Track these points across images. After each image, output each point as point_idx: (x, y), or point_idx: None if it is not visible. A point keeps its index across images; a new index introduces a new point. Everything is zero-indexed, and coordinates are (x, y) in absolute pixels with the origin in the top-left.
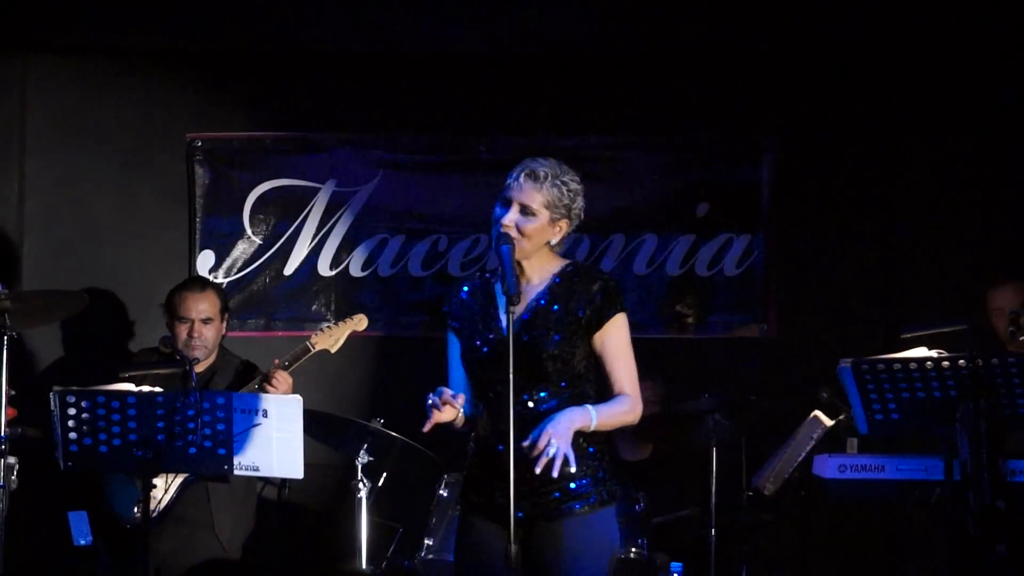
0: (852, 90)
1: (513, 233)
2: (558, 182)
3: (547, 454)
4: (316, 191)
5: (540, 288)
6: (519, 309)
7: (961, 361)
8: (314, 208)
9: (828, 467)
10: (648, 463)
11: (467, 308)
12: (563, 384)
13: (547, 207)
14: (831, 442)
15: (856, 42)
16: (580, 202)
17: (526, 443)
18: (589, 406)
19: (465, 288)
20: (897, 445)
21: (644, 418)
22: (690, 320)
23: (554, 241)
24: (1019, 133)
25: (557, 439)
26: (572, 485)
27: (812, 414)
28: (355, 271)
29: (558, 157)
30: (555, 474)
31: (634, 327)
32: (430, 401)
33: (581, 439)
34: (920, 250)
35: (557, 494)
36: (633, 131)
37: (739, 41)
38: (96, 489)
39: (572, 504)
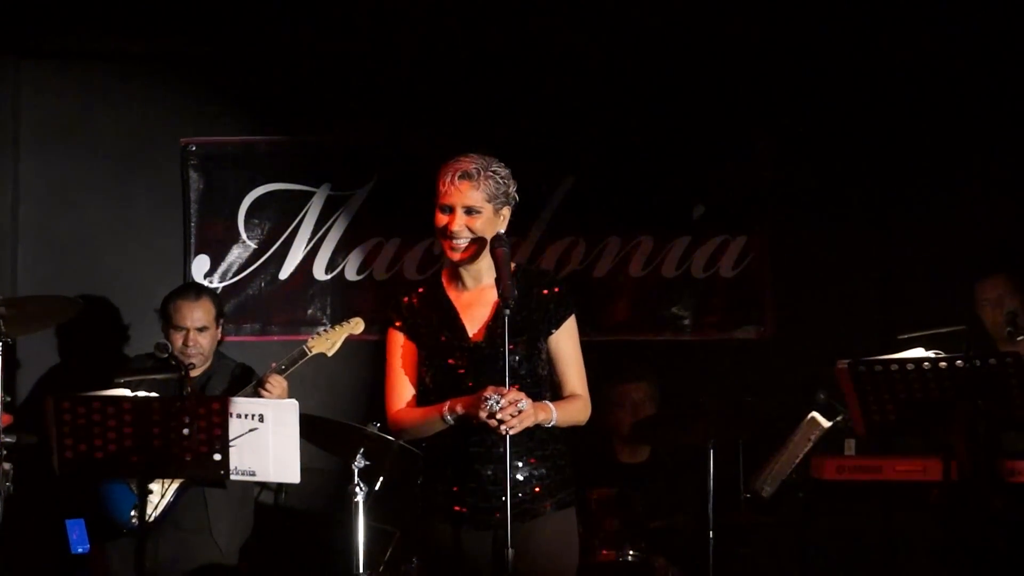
0: (850, 86)
1: (465, 236)
2: (490, 172)
3: (506, 414)
4: (311, 195)
5: (495, 292)
6: (482, 313)
7: (959, 362)
8: (309, 212)
9: (826, 469)
10: (645, 465)
11: (423, 317)
12: (528, 387)
13: (489, 200)
14: (829, 444)
15: (854, 34)
16: (514, 184)
17: (500, 400)
18: (549, 403)
19: (409, 298)
20: (895, 446)
21: (641, 420)
22: (686, 322)
23: (502, 229)
24: (1021, 129)
25: (519, 419)
26: (542, 485)
27: (809, 415)
28: (351, 275)
29: (553, 158)
30: (503, 430)
31: (631, 329)
32: (498, 405)
33: (545, 435)
34: (918, 250)
35: (527, 494)
36: (628, 131)
37: (732, 34)
38: (93, 496)
39: (544, 504)
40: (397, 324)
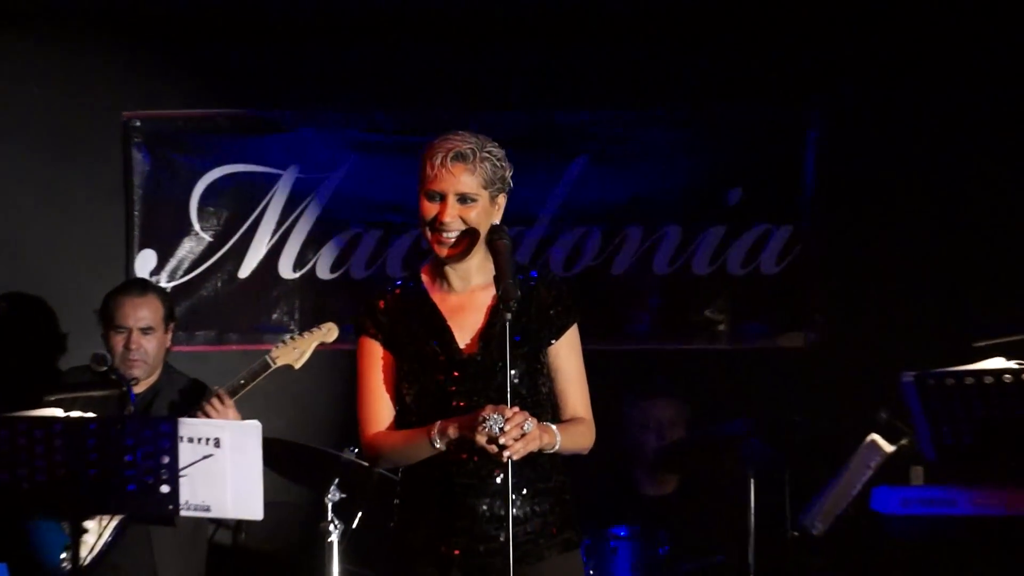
0: (911, 55)
1: (456, 229)
2: (486, 154)
3: (510, 437)
4: (276, 178)
5: (488, 294)
6: (473, 319)
7: None
8: (274, 199)
9: (889, 501)
10: (673, 498)
11: (403, 323)
12: (528, 407)
13: (485, 186)
14: (892, 471)
15: None
16: (510, 168)
17: (506, 418)
18: (552, 425)
19: (385, 300)
20: (971, 474)
21: (669, 445)
22: (721, 327)
23: (497, 220)
24: None
25: (524, 443)
26: (544, 523)
27: (869, 438)
28: (323, 273)
29: (563, 134)
30: (506, 456)
31: (655, 337)
32: (498, 427)
33: (547, 462)
34: (995, 243)
35: (526, 534)
36: (652, 104)
37: None
38: (18, 535)
39: (546, 545)
40: (371, 332)
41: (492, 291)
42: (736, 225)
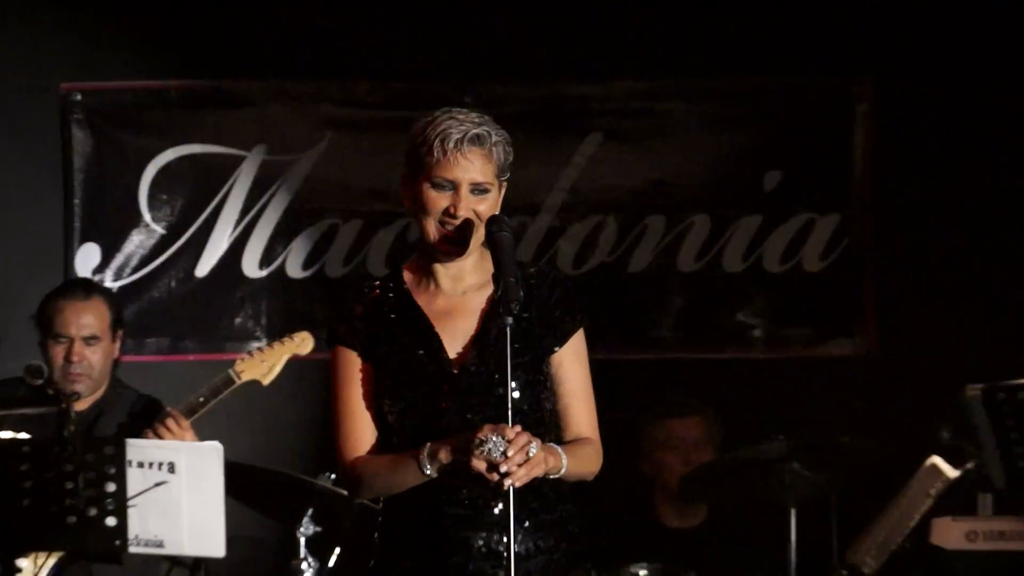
0: (979, 14)
1: (468, 224)
2: (499, 137)
3: (513, 462)
4: (240, 161)
5: (483, 295)
6: (465, 325)
7: None
8: (237, 184)
9: (952, 535)
10: (701, 531)
11: (384, 329)
12: (531, 426)
13: (498, 175)
14: (956, 500)
15: None
16: (513, 155)
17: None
18: (557, 447)
19: (362, 303)
20: None
21: (696, 469)
22: (757, 333)
23: (497, 211)
24: None
25: (528, 468)
26: (549, 561)
27: (928, 462)
28: (294, 271)
29: (573, 108)
30: (508, 484)
31: (681, 344)
32: (499, 450)
33: (551, 490)
34: None
35: (529, 573)
36: (677, 73)
37: None
38: None
39: None
40: (347, 341)
41: (486, 292)
42: (774, 214)
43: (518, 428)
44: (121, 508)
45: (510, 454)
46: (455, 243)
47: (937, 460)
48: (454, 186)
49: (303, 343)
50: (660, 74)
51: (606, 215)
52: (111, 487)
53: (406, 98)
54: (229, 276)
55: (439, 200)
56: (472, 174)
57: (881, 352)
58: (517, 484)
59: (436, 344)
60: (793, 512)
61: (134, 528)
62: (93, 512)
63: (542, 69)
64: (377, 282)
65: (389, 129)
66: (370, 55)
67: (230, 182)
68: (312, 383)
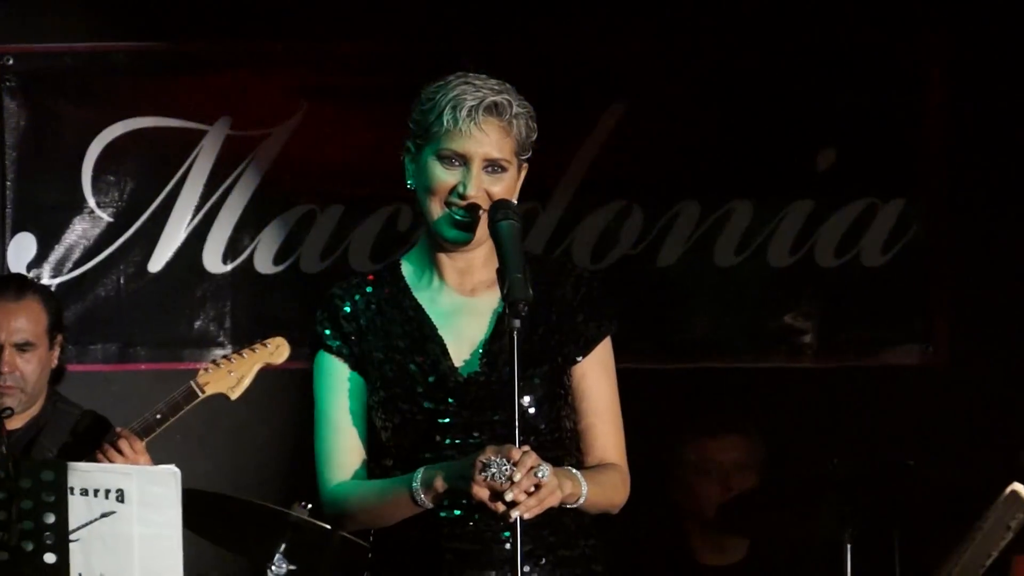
0: None
1: (483, 205)
2: (520, 108)
3: (520, 490)
4: (200, 136)
5: (497, 294)
6: (473, 328)
7: None
8: (197, 164)
9: None
10: (741, 569)
11: (377, 333)
12: (548, 447)
13: (517, 153)
14: None
15: None
16: (535, 133)
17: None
18: (576, 471)
19: (349, 303)
20: None
21: (736, 497)
22: (807, 339)
23: (515, 199)
24: None
25: (539, 497)
26: None
27: (1009, 488)
28: (263, 265)
29: (592, 72)
30: (515, 515)
31: (718, 351)
32: (504, 475)
33: (571, 522)
34: None
35: None
36: (714, 31)
37: None
38: None
39: None
40: (333, 347)
41: (499, 291)
42: (828, 199)
43: (525, 448)
44: (62, 543)
45: (516, 479)
46: (462, 230)
47: (1019, 487)
48: (465, 161)
49: (277, 351)
50: (694, 31)
51: (630, 201)
52: (50, 518)
53: (394, 62)
54: (187, 272)
55: (446, 177)
56: (487, 148)
57: (953, 361)
58: (527, 515)
59: (439, 350)
60: (849, 548)
61: (76, 566)
62: (29, 547)
63: (555, 25)
64: (370, 276)
65: (375, 99)
66: (351, 11)
67: (188, 161)
68: (286, 397)
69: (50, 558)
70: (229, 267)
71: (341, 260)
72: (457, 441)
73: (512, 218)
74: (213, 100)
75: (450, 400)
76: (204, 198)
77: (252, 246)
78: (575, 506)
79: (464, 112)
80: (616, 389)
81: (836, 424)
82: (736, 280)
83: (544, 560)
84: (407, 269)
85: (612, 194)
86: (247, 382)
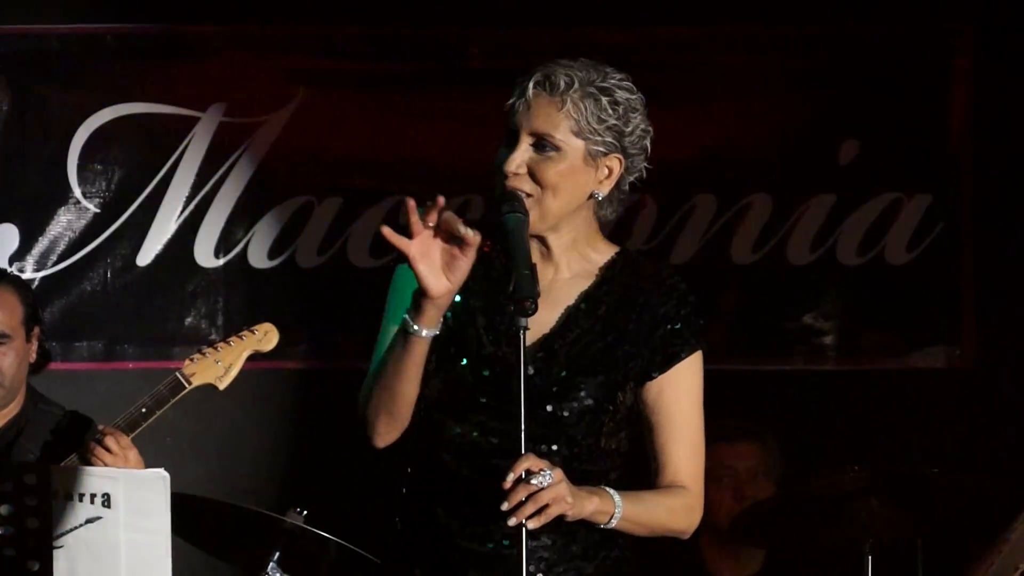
0: None
1: (525, 187)
2: (593, 89)
3: (537, 479)
4: (192, 123)
5: (576, 289)
6: (545, 316)
7: None
8: (188, 152)
9: None
10: None
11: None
12: (579, 459)
13: (579, 134)
14: None
15: None
16: (641, 123)
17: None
18: (611, 490)
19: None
20: None
21: (751, 507)
22: (828, 340)
23: (602, 194)
24: None
25: (537, 501)
26: None
27: None
28: (258, 259)
29: (604, 61)
30: (511, 522)
31: (734, 352)
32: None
33: (598, 534)
34: None
35: None
36: (731, 19)
37: None
38: None
39: None
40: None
41: (577, 289)
42: (851, 194)
43: (530, 456)
44: (45, 549)
45: (506, 481)
46: (498, 210)
47: None
48: (515, 136)
49: (266, 337)
50: (711, 19)
51: (643, 193)
52: (33, 523)
53: (396, 47)
54: (178, 266)
55: (502, 155)
56: (533, 122)
57: (980, 364)
58: (531, 524)
59: (505, 328)
60: (869, 560)
61: (60, 573)
62: (10, 553)
63: (565, 12)
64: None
65: (376, 85)
66: None
67: (180, 150)
68: (280, 397)
69: (33, 565)
70: (222, 261)
71: (339, 255)
72: (484, 419)
73: (519, 211)
74: (206, 85)
75: (496, 385)
76: (196, 188)
77: (246, 239)
78: (610, 526)
79: (519, 88)
80: (699, 411)
81: (857, 430)
82: (754, 278)
83: (561, 568)
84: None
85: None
86: (235, 371)
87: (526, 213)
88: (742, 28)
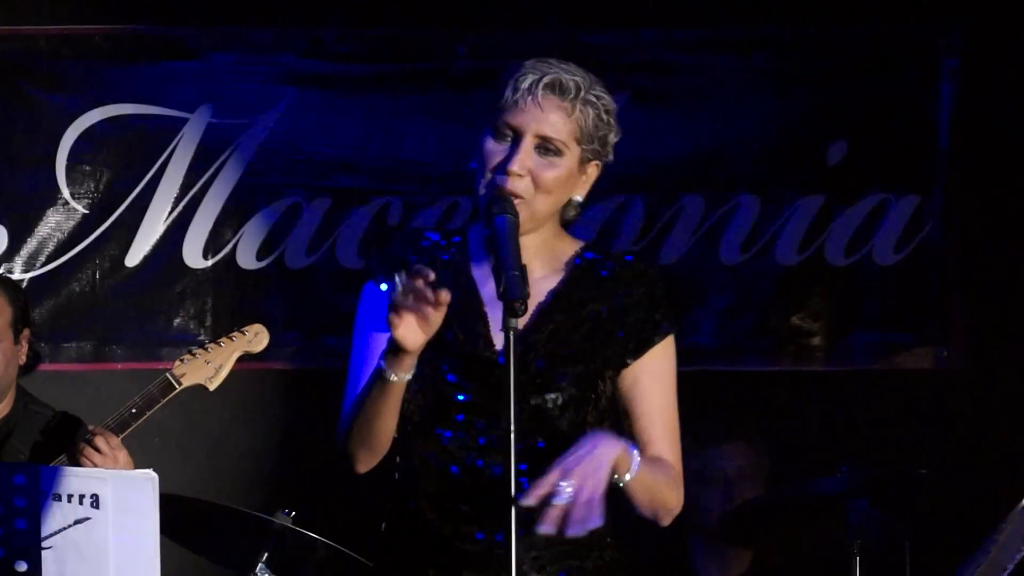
0: None
1: (522, 190)
2: (592, 97)
3: (557, 498)
4: (181, 125)
5: (547, 285)
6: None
7: None
8: (176, 154)
9: None
10: None
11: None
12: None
13: (579, 140)
14: None
15: None
16: (619, 132)
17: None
18: (627, 444)
19: (412, 248)
20: None
21: (740, 508)
22: (816, 341)
23: (578, 198)
24: None
25: (582, 479)
26: None
27: None
28: (247, 260)
29: (592, 62)
30: (569, 532)
31: (723, 353)
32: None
33: (588, 535)
34: None
35: None
36: (721, 19)
37: None
38: None
39: None
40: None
41: (550, 284)
42: (839, 194)
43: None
44: (34, 550)
45: (532, 498)
46: (488, 210)
47: None
48: (517, 136)
49: (256, 338)
50: (700, 20)
51: (631, 194)
52: (21, 524)
53: (385, 48)
54: (167, 266)
55: (496, 152)
56: (541, 124)
57: (969, 366)
58: (568, 532)
59: (479, 329)
60: (857, 560)
61: (49, 574)
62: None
63: (554, 13)
64: (437, 236)
65: (365, 86)
66: None
67: (168, 151)
68: (269, 398)
69: (21, 567)
70: (210, 262)
71: (328, 255)
72: (467, 418)
73: (509, 212)
74: (194, 86)
75: (474, 382)
76: (184, 189)
77: (235, 240)
78: (624, 481)
79: (525, 84)
80: (674, 395)
81: (845, 431)
82: (742, 279)
83: (554, 568)
84: (473, 239)
85: (613, 188)
86: (225, 372)
87: (516, 214)
88: (730, 29)
